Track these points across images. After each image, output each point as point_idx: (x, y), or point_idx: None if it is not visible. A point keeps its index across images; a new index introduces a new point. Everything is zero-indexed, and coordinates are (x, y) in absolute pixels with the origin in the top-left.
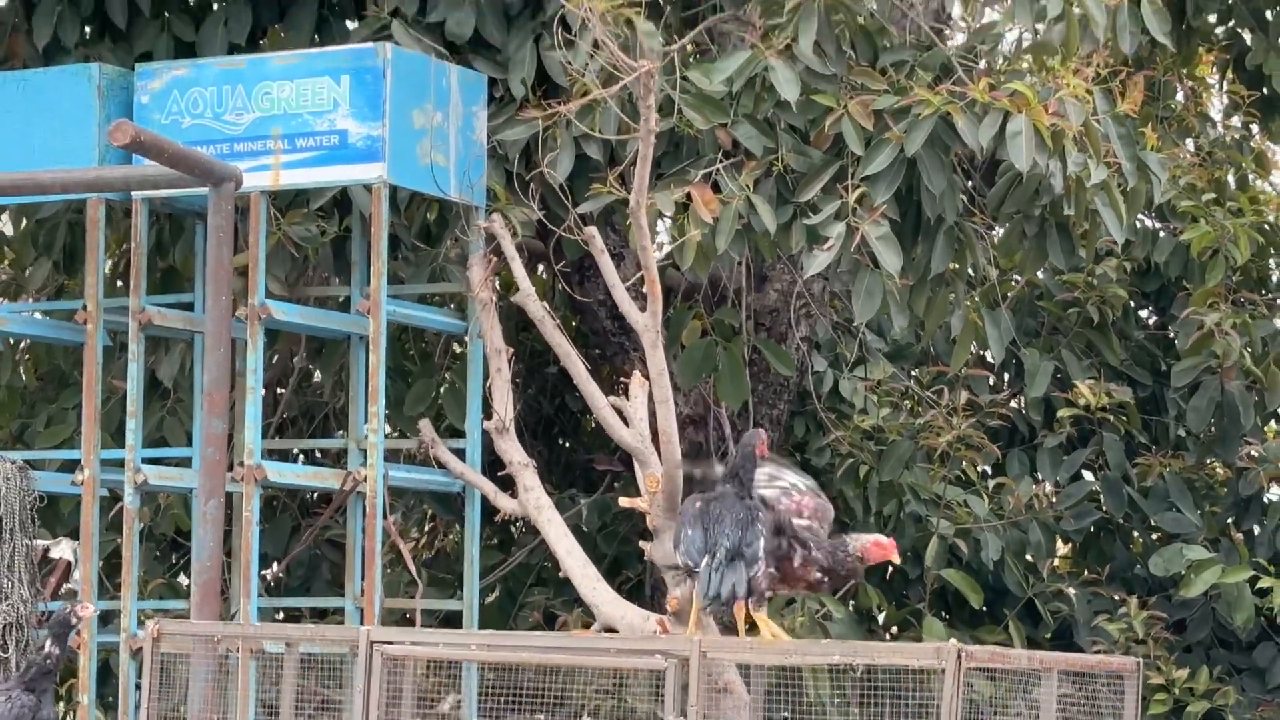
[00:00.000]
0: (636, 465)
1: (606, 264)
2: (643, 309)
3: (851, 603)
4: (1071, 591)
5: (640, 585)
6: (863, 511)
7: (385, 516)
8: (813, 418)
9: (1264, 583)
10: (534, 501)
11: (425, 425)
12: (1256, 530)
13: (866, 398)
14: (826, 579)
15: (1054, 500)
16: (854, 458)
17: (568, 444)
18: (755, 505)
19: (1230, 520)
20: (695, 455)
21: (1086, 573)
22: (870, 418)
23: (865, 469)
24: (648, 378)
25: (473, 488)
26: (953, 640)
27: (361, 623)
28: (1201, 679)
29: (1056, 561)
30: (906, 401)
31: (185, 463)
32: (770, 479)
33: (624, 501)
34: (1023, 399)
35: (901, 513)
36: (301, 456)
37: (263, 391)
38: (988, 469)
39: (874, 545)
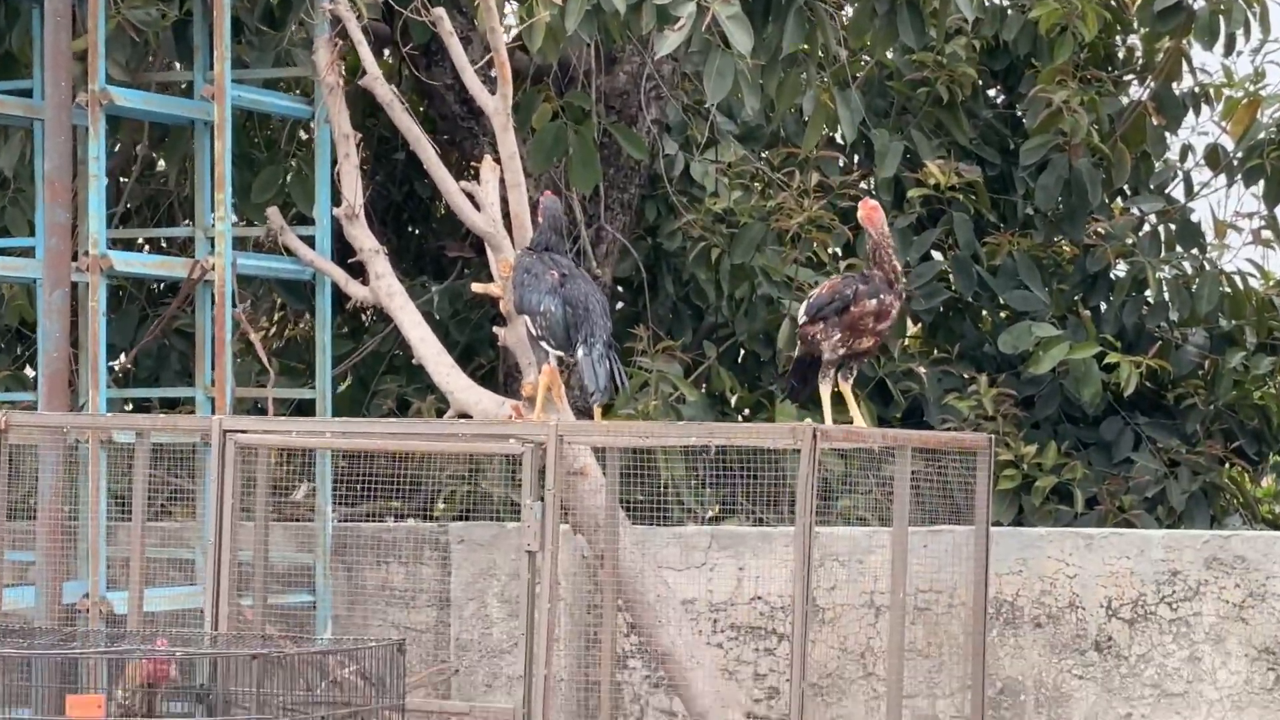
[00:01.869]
0: (489, 250)
1: (455, 47)
2: (492, 92)
3: (704, 386)
4: (922, 370)
5: (493, 372)
6: (715, 294)
7: (234, 305)
8: (664, 201)
9: (1111, 358)
10: (385, 289)
11: (273, 213)
12: (1103, 307)
13: (718, 180)
14: (895, 305)
15: (904, 280)
16: (705, 241)
17: (418, 231)
18: (593, 283)
19: (1078, 298)
20: None
21: (936, 352)
22: (721, 201)
23: (717, 252)
24: (498, 161)
25: (323, 275)
26: (808, 420)
27: (213, 413)
28: (1050, 454)
29: (906, 341)
30: (757, 184)
31: (29, 253)
32: None
33: (476, 287)
34: (873, 179)
35: (754, 295)
36: (148, 246)
37: (106, 180)
38: (839, 250)
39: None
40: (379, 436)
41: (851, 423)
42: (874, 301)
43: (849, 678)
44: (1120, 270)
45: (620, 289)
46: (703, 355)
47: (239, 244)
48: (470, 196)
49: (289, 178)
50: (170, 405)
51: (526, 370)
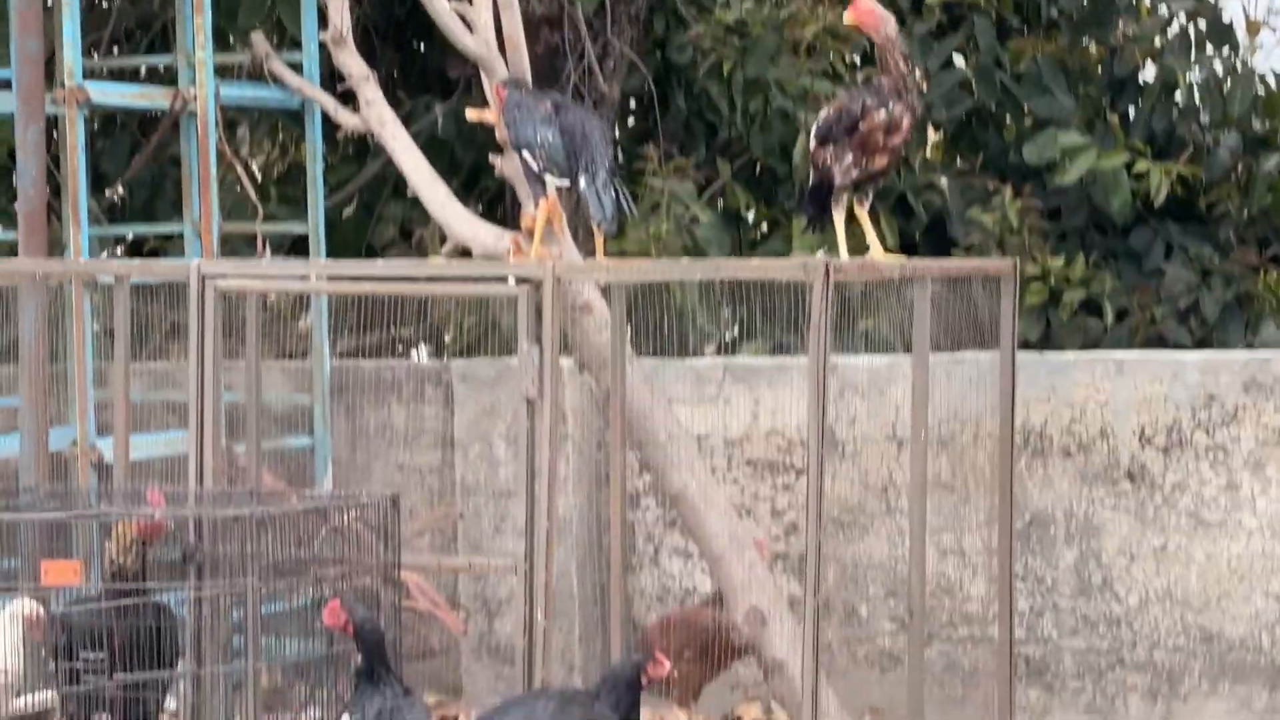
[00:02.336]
0: (483, 74)
1: None
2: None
3: (719, 204)
4: (944, 182)
5: (500, 196)
6: (728, 109)
7: (218, 137)
8: (673, 12)
9: (1140, 166)
10: (376, 116)
11: (258, 38)
12: (1131, 112)
13: None
14: (906, 115)
15: (924, 89)
16: (716, 54)
17: (422, 48)
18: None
19: (1105, 103)
20: (551, 57)
21: (959, 162)
22: (732, 11)
23: (729, 66)
24: None
25: (312, 103)
26: (820, 252)
27: (200, 252)
28: (1078, 267)
29: (928, 152)
30: None
31: (5, 85)
32: None
33: (471, 114)
34: None
35: (768, 109)
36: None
37: (80, 4)
38: (856, 60)
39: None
40: (367, 279)
41: (868, 250)
42: (883, 113)
43: (871, 513)
44: (1149, 73)
45: (631, 106)
46: (716, 173)
47: (224, 72)
48: (462, 17)
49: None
50: (164, 239)
51: (526, 202)
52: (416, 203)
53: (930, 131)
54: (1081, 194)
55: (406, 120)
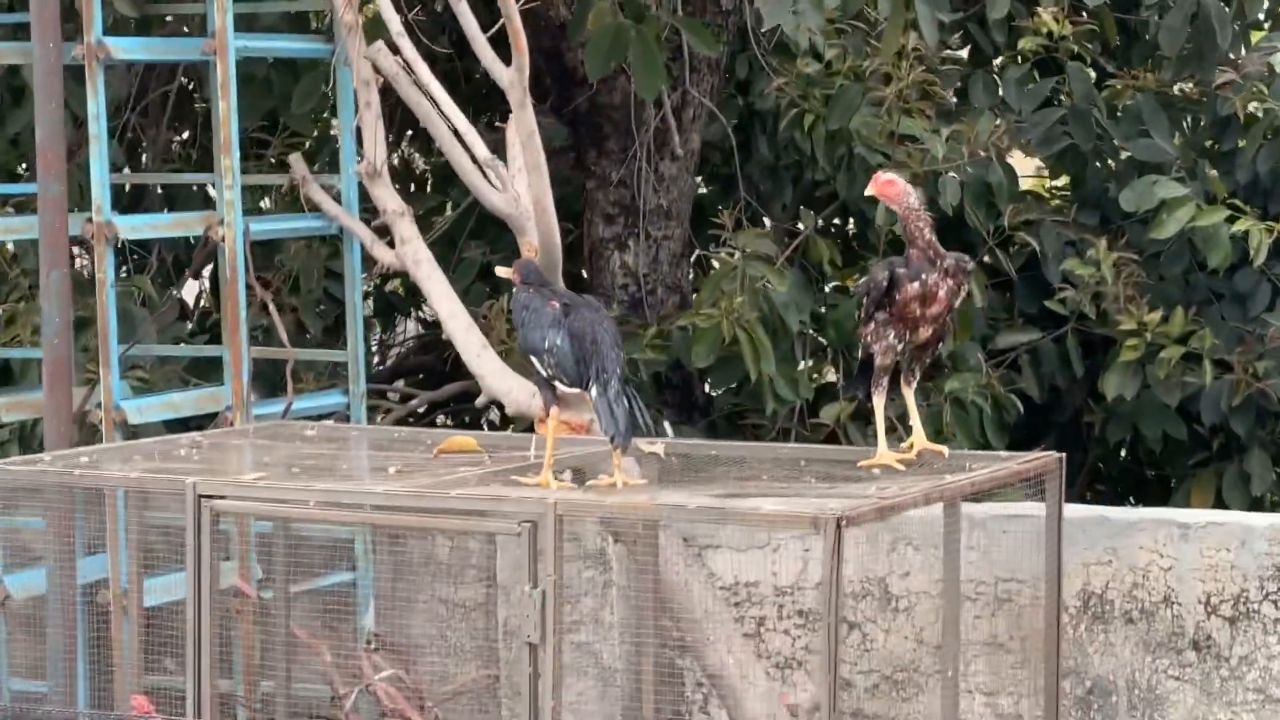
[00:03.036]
0: (515, 234)
1: (464, 13)
2: (508, 64)
3: (801, 257)
4: (1044, 221)
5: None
6: (810, 159)
7: (248, 268)
8: (756, 58)
9: (1240, 225)
10: (411, 255)
11: (296, 161)
12: (1236, 151)
13: (810, 37)
14: (943, 284)
15: (1019, 128)
16: (798, 107)
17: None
18: (601, 309)
19: (1207, 143)
20: (629, 106)
21: (1055, 201)
22: (814, 63)
23: (810, 119)
24: None
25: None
26: (832, 505)
27: (230, 382)
28: (1176, 322)
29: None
30: (848, 41)
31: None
32: None
33: (501, 271)
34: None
35: (851, 160)
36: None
37: (107, 140)
38: (953, 102)
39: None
40: (364, 509)
41: (911, 446)
42: (916, 285)
43: (926, 671)
44: (1255, 110)
45: (710, 158)
46: (797, 228)
47: (259, 194)
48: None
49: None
50: (200, 371)
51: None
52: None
53: (1021, 160)
54: (1181, 242)
55: None
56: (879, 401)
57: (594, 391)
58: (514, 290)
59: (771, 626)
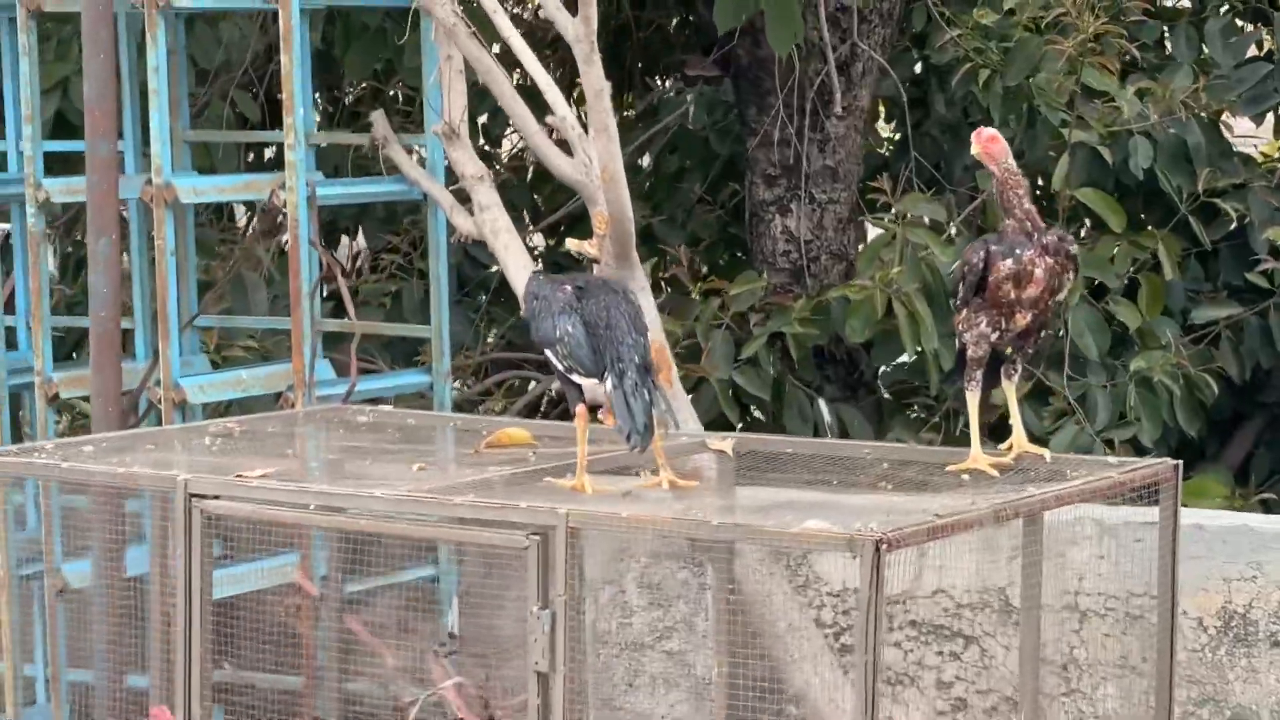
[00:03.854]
0: (586, 201)
1: None
2: (573, 13)
3: (978, 222)
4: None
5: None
6: (987, 118)
7: (315, 239)
8: (935, 8)
9: None
10: (489, 223)
11: (379, 118)
12: None
13: None
14: (1040, 261)
15: (1219, 83)
16: (972, 62)
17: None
18: (624, 289)
19: None
20: (791, 62)
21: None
22: (988, 14)
23: (986, 74)
24: None
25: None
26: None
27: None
28: None
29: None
30: None
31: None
32: None
33: (571, 244)
34: None
35: (1035, 119)
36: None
37: (167, 95)
38: (1137, 56)
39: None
40: (364, 516)
41: (1010, 447)
42: (1009, 263)
43: (1050, 694)
44: None
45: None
46: (976, 189)
47: (334, 155)
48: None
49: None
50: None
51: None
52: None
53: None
54: None
55: (653, 112)
56: (972, 399)
57: (609, 382)
58: (528, 279)
59: (882, 639)
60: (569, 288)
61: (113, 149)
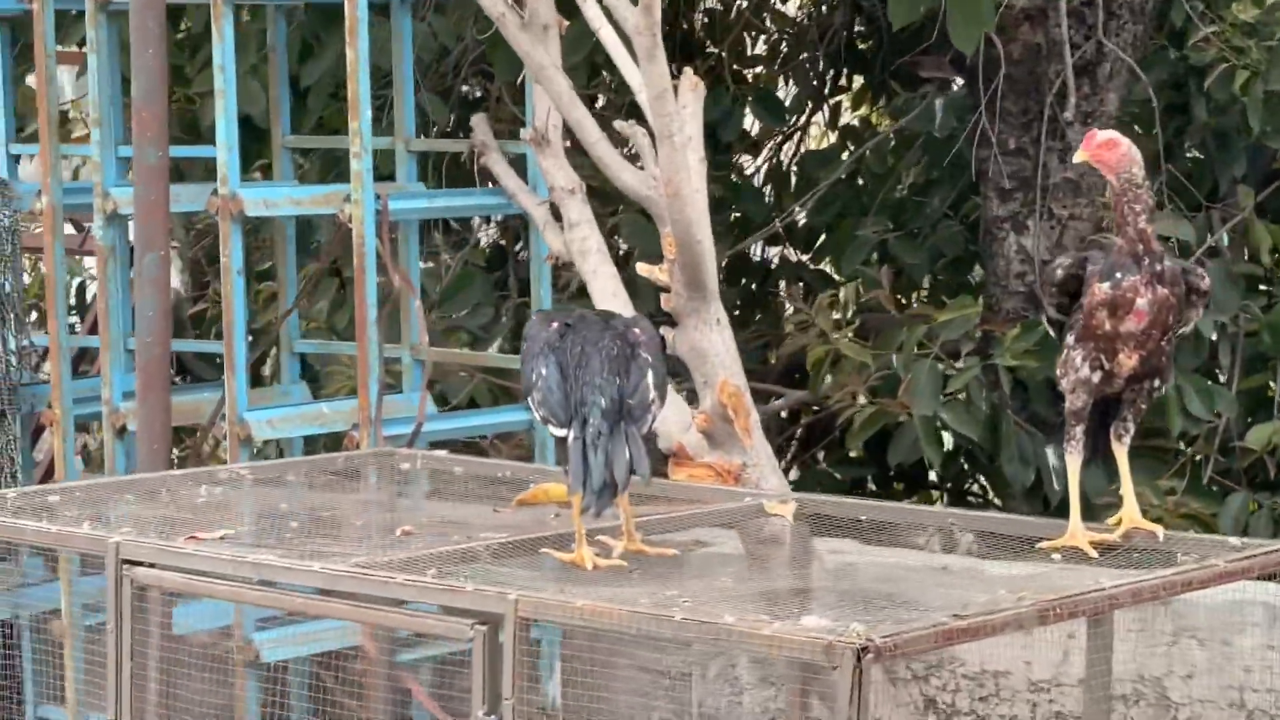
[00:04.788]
0: (656, 221)
1: None
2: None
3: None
4: None
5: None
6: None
7: (390, 263)
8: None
9: None
10: (579, 242)
11: (480, 122)
12: None
13: None
14: (1146, 291)
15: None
16: (1229, 63)
17: None
18: (630, 324)
19: None
20: (1032, 62)
21: None
22: (1247, 9)
23: (1244, 77)
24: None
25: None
26: (855, 628)
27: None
28: None
29: None
30: None
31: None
32: None
33: (641, 269)
34: None
35: None
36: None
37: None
38: None
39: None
40: (299, 594)
41: (1118, 522)
42: (1105, 286)
43: None
44: None
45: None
46: (1235, 207)
47: (428, 162)
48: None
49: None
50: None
51: (703, 392)
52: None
53: None
54: None
55: (897, 116)
56: (1073, 463)
57: (570, 433)
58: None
59: None
60: (555, 324)
61: (163, 155)
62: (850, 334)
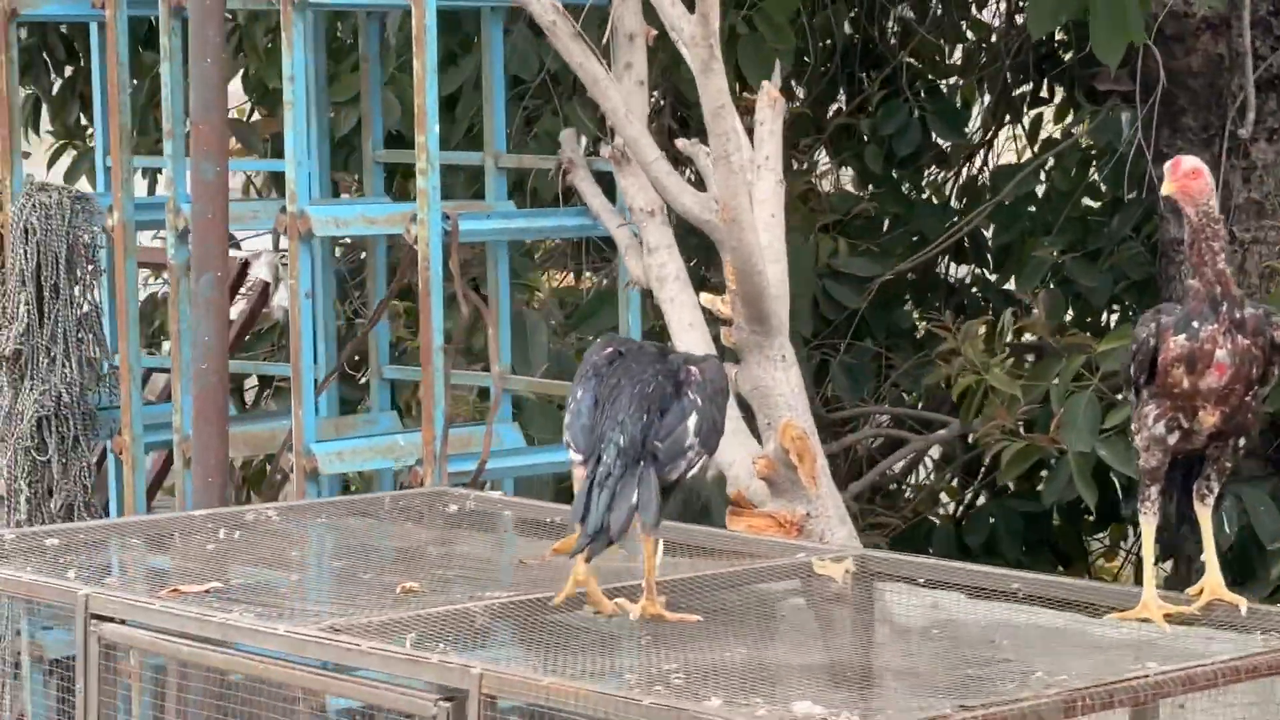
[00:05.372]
0: (718, 247)
1: None
2: (690, 9)
3: None
4: None
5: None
6: None
7: (462, 288)
8: None
9: None
10: (657, 268)
11: (568, 136)
12: None
13: None
14: (1225, 342)
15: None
16: None
17: None
18: (689, 361)
19: None
20: (1213, 74)
21: None
22: None
23: None
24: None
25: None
26: None
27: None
28: None
29: None
30: None
31: None
32: None
33: (704, 299)
34: None
35: None
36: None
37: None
38: None
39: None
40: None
41: (1200, 592)
42: (1181, 339)
43: None
44: None
45: None
46: None
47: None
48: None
49: None
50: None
51: (765, 434)
52: None
53: None
54: None
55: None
56: (1147, 526)
57: (583, 469)
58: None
59: None
60: (609, 350)
61: (221, 170)
62: (1001, 364)
